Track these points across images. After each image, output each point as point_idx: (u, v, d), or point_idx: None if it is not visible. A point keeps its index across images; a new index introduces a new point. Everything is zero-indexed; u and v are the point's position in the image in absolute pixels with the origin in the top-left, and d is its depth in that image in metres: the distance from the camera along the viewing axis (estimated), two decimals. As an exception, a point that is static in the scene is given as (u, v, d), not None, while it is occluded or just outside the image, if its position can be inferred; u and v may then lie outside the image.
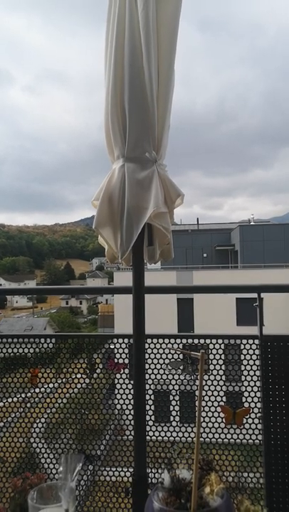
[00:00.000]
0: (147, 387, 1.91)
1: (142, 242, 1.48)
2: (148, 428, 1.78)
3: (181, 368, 2.18)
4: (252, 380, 2.04)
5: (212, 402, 2.07)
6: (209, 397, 2.08)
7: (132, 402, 2.13)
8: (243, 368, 2.07)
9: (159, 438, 2.13)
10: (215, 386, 2.08)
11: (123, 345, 2.19)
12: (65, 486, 0.87)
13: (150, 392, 2.05)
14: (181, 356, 2.18)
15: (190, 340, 2.30)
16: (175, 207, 1.50)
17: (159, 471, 2.02)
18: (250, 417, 2.01)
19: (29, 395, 2.32)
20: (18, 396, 2.27)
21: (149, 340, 2.10)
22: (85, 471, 2.27)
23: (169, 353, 2.13)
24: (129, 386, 2.16)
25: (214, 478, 0.84)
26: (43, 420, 2.43)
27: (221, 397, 2.07)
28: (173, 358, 2.14)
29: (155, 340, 2.13)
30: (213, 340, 2.10)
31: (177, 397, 2.26)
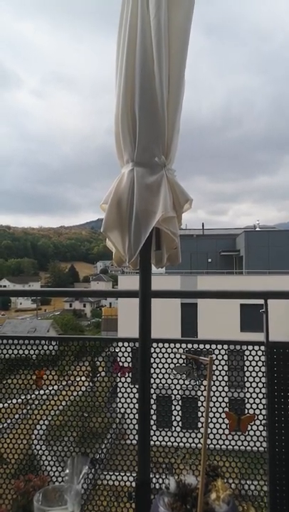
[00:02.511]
0: (152, 391, 1.90)
1: (149, 246, 1.48)
2: (151, 433, 1.77)
3: (186, 373, 2.17)
4: (257, 386, 2.03)
5: (216, 408, 2.06)
6: (214, 403, 2.06)
7: (136, 406, 2.13)
8: (248, 374, 2.06)
9: (163, 443, 2.12)
10: (220, 392, 2.07)
11: (128, 349, 2.18)
12: (71, 489, 0.87)
13: (154, 396, 2.04)
14: (186, 361, 2.17)
15: (195, 346, 2.29)
16: (183, 212, 1.50)
17: (162, 476, 2.01)
18: (254, 424, 1.99)
19: (33, 396, 2.32)
20: (23, 397, 2.27)
21: (154, 345, 2.10)
22: (87, 475, 2.27)
23: (174, 357, 2.12)
24: (134, 390, 2.16)
25: (221, 485, 0.84)
26: (46, 422, 2.43)
27: (226, 403, 2.06)
28: (178, 362, 2.14)
29: (161, 345, 2.12)
30: (219, 346, 2.09)
31: (180, 402, 2.25)
